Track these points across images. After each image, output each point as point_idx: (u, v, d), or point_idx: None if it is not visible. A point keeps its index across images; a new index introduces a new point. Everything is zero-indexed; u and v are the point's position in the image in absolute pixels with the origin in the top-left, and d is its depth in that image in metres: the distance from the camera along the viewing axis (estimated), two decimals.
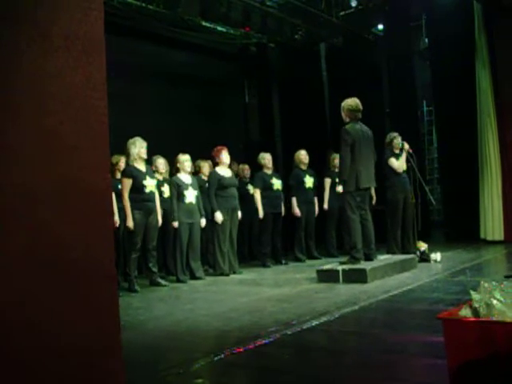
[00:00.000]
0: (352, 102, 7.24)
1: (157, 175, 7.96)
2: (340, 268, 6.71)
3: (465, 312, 2.49)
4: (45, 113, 2.37)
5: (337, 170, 9.25)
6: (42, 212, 2.33)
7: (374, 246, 7.25)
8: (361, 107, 7.23)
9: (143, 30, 10.62)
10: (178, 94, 11.38)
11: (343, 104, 7.29)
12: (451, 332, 2.46)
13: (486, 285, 2.49)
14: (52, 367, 2.31)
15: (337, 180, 9.33)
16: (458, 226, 10.85)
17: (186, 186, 7.90)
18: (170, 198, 7.92)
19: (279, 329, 4.22)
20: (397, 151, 8.55)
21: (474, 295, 2.49)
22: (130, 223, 7.07)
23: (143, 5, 9.74)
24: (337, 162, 9.27)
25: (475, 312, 2.44)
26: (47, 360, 2.29)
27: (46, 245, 2.34)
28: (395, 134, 8.65)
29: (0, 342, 2.16)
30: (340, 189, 7.31)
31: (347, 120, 7.20)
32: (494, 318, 2.36)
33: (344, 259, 7.14)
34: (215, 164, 8.40)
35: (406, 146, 8.42)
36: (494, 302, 2.39)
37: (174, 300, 6.32)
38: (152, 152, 7.81)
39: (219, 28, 11.60)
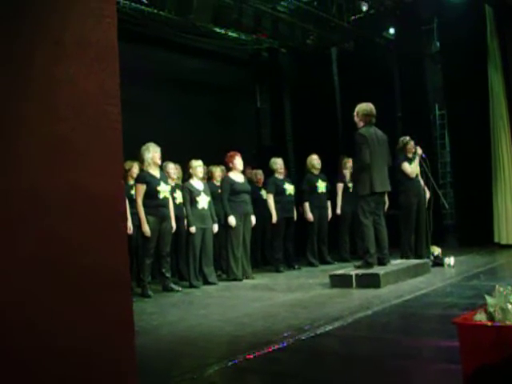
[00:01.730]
0: (366, 106, 7.22)
1: (169, 181, 7.97)
2: (353, 273, 6.69)
3: (480, 317, 2.47)
4: (57, 119, 2.39)
5: (349, 174, 9.27)
6: (53, 218, 2.34)
7: (388, 250, 7.22)
8: (375, 112, 7.20)
9: (155, 36, 10.67)
10: (190, 100, 11.41)
11: (357, 109, 7.25)
12: (466, 337, 2.45)
13: (502, 289, 2.47)
14: (64, 373, 2.31)
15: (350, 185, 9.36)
16: (471, 230, 10.77)
17: (199, 192, 7.92)
18: (183, 203, 7.93)
19: (292, 334, 4.21)
20: (410, 155, 8.51)
21: (489, 300, 2.47)
22: (146, 229, 7.07)
23: (155, 11, 9.79)
24: (349, 165, 9.25)
25: (490, 316, 2.43)
26: (58, 365, 2.30)
27: (57, 251, 2.35)
28: (408, 139, 8.61)
29: (6, 348, 2.17)
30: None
31: (361, 124, 7.17)
32: (509, 323, 2.34)
33: (357, 264, 7.11)
34: (228, 169, 8.41)
35: (419, 150, 8.38)
36: (510, 306, 2.37)
37: (188, 305, 6.32)
38: (165, 158, 7.83)
39: (231, 34, 11.63)
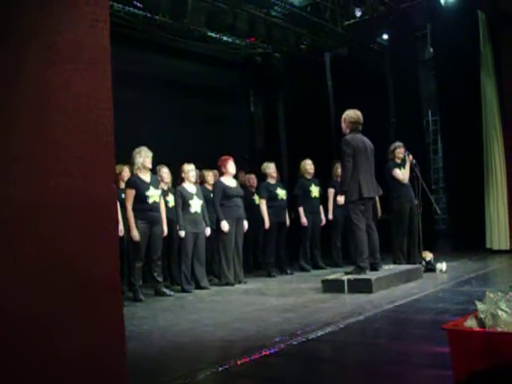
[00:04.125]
0: (353, 113, 7.23)
1: (162, 185, 7.95)
2: (345, 278, 6.69)
3: (470, 322, 2.48)
4: (50, 123, 2.38)
5: (339, 180, 9.26)
6: (46, 222, 2.34)
7: (379, 255, 7.23)
8: (362, 119, 7.21)
9: (149, 40, 10.67)
10: (183, 104, 11.42)
11: (344, 115, 7.28)
12: (456, 343, 2.45)
13: (492, 295, 2.48)
14: (55, 377, 2.31)
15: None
16: (463, 236, 10.81)
17: (191, 196, 7.90)
18: (175, 207, 7.92)
19: (284, 339, 4.20)
20: (398, 161, 8.54)
21: (480, 305, 2.48)
22: (134, 233, 7.06)
23: (149, 15, 9.79)
24: (339, 171, 9.24)
25: (481, 322, 2.43)
26: (50, 370, 2.29)
27: (50, 255, 2.34)
28: (398, 144, 8.64)
29: (4, 350, 2.16)
30: (341, 199, 7.25)
31: (347, 131, 7.19)
32: (500, 329, 2.35)
33: (348, 270, 7.11)
34: (221, 174, 8.40)
35: (410, 156, 8.39)
36: (500, 312, 2.38)
37: (179, 310, 6.31)
38: (157, 161, 7.81)
39: (225, 38, 11.65)
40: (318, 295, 6.62)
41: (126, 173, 7.88)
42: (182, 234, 7.75)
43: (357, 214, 6.96)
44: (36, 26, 2.37)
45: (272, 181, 9.29)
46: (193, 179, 8.06)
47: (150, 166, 7.33)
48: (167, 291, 7.42)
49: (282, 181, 10.44)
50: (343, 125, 7.28)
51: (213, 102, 12.19)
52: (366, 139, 7.21)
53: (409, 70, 12.06)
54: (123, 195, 7.49)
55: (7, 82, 2.27)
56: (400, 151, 8.52)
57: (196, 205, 7.91)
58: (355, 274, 6.79)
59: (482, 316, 2.43)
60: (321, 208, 9.78)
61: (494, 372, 2.29)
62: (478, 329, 2.42)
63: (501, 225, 10.25)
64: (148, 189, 7.22)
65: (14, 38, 2.30)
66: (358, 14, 11.25)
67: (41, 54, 2.37)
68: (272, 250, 9.21)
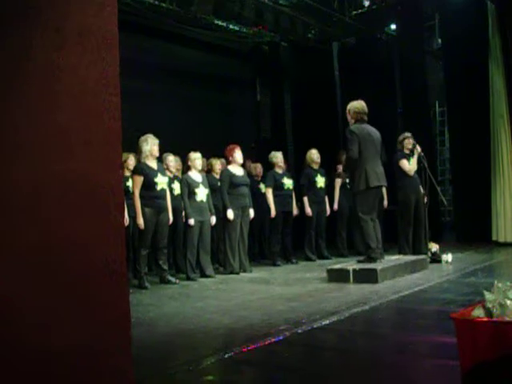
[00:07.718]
0: (357, 104, 7.23)
1: (167, 172, 7.94)
2: (350, 268, 6.69)
3: (478, 312, 2.46)
4: (57, 108, 2.37)
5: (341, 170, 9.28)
6: (52, 207, 2.33)
7: (382, 245, 7.23)
8: (366, 109, 7.20)
9: (156, 27, 10.64)
10: (189, 92, 11.40)
11: (349, 107, 7.29)
12: (464, 332, 2.44)
13: (500, 285, 2.46)
14: (60, 365, 2.31)
15: (347, 180, 9.37)
16: (469, 228, 10.78)
17: (197, 184, 7.90)
18: (181, 195, 7.92)
19: (289, 327, 4.20)
20: (407, 151, 8.51)
21: (488, 295, 2.46)
22: (140, 221, 7.06)
23: (156, 3, 9.75)
24: None
25: (488, 312, 2.42)
26: (55, 358, 2.29)
27: (55, 241, 2.33)
28: (408, 135, 8.61)
29: (6, 338, 2.15)
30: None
31: (352, 122, 7.20)
32: (508, 319, 2.33)
33: (361, 259, 7.11)
34: (228, 163, 8.39)
35: (419, 148, 8.35)
36: (508, 302, 2.36)
37: (184, 298, 6.31)
38: (164, 150, 7.81)
39: (232, 26, 11.60)
40: (323, 285, 6.61)
41: (131, 161, 7.90)
42: (192, 222, 7.75)
43: (363, 207, 6.95)
44: (43, 10, 2.35)
45: (279, 170, 9.28)
46: (199, 167, 8.06)
47: (157, 153, 7.33)
48: (172, 279, 7.43)
49: (288, 170, 10.41)
50: (348, 116, 7.29)
51: (219, 91, 12.16)
52: (372, 128, 7.20)
53: (416, 61, 11.98)
54: (128, 183, 7.50)
55: (14, 66, 2.25)
56: (409, 142, 8.50)
57: (202, 193, 7.91)
58: (366, 264, 6.79)
59: (489, 306, 2.41)
60: (326, 198, 9.76)
61: (501, 362, 2.27)
62: (485, 318, 2.41)
63: (507, 217, 10.21)
64: (156, 176, 7.22)
65: (21, 21, 2.28)
66: (367, 3, 11.20)
67: (48, 37, 2.35)
68: (277, 239, 9.22)
